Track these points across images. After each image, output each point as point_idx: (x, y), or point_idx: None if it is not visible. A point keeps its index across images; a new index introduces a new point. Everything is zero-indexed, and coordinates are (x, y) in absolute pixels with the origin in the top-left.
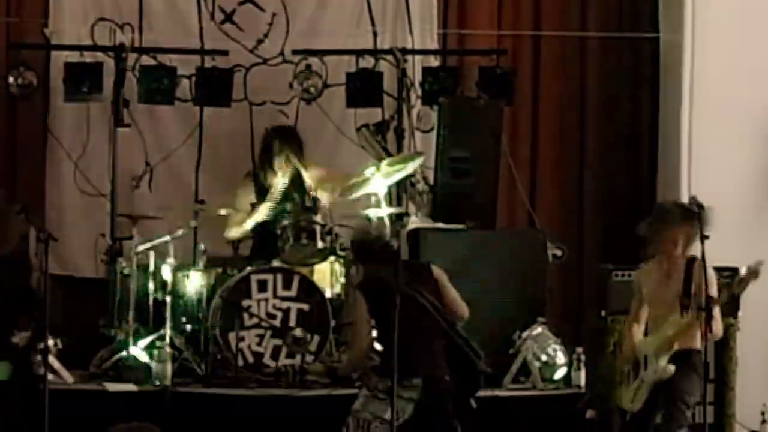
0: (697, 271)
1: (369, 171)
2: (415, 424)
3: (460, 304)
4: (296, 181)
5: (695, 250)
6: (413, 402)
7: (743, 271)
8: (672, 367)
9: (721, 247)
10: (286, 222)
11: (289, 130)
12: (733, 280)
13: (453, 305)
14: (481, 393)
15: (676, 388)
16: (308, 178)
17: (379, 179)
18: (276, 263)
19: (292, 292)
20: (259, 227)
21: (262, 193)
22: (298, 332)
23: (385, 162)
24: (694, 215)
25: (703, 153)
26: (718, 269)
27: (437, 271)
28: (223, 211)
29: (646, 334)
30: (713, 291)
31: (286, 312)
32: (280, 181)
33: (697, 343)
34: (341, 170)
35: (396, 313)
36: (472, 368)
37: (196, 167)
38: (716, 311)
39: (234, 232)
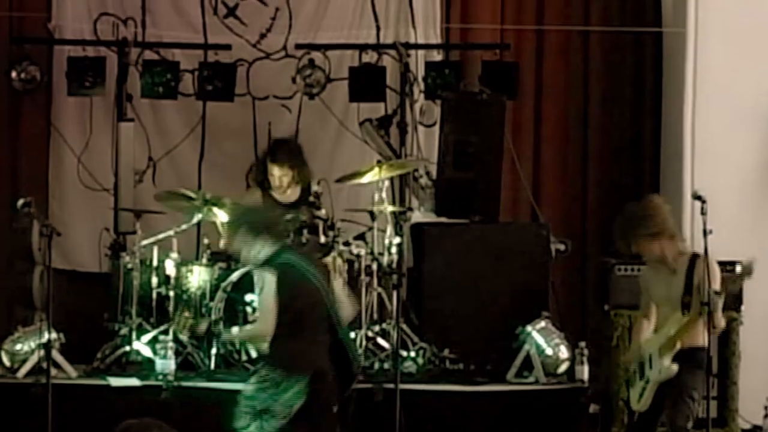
0: (699, 268)
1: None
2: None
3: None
4: (305, 194)
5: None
6: (301, 394)
7: (737, 269)
8: (675, 366)
9: (723, 241)
10: (288, 217)
11: (283, 145)
12: (728, 278)
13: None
14: (485, 387)
15: (682, 383)
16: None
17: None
18: None
19: None
20: None
21: (268, 200)
22: None
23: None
24: (653, 223)
25: (706, 146)
26: (720, 263)
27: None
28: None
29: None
30: (717, 285)
31: None
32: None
33: (701, 341)
34: (344, 165)
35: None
36: (348, 370)
37: (199, 162)
38: (719, 304)
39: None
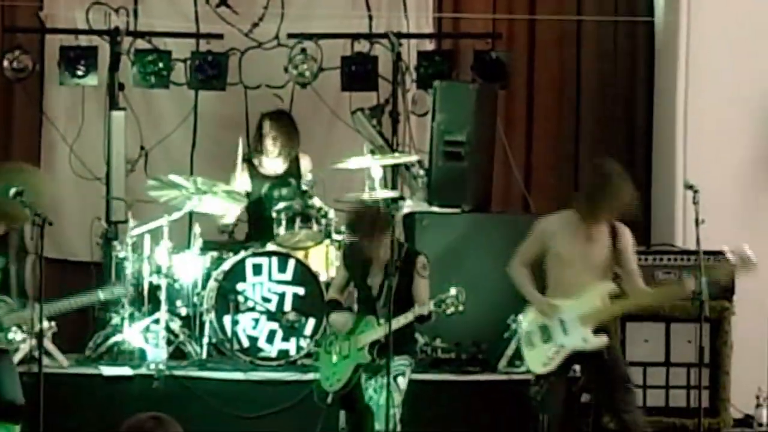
0: (622, 239)
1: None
2: None
3: None
4: (293, 166)
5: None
6: None
7: (731, 258)
8: (605, 338)
9: (715, 231)
10: (281, 206)
11: (281, 113)
12: (718, 266)
13: None
14: (477, 377)
15: (618, 373)
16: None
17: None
18: (271, 247)
19: (288, 276)
20: (255, 211)
21: (257, 178)
22: (291, 315)
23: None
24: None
25: (699, 137)
26: (711, 253)
27: None
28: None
29: (542, 292)
30: (632, 253)
31: (281, 296)
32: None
33: None
34: (336, 154)
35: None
36: None
37: (191, 151)
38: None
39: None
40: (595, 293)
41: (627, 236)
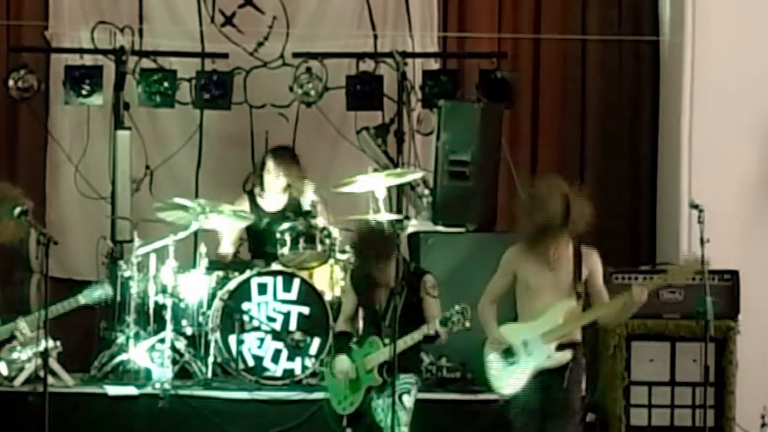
0: (588, 260)
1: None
2: None
3: None
4: (293, 200)
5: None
6: None
7: (681, 262)
8: (569, 353)
9: (720, 250)
10: (285, 226)
11: (285, 150)
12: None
13: None
14: (482, 396)
15: (568, 406)
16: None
17: (377, 180)
18: (276, 266)
19: (293, 295)
20: (254, 247)
21: (256, 211)
22: (297, 335)
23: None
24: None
25: (704, 156)
26: (717, 272)
27: None
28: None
29: (514, 319)
30: (599, 274)
31: (286, 315)
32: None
33: (579, 335)
34: (341, 173)
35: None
36: None
37: (196, 170)
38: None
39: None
40: (556, 312)
41: (593, 259)
